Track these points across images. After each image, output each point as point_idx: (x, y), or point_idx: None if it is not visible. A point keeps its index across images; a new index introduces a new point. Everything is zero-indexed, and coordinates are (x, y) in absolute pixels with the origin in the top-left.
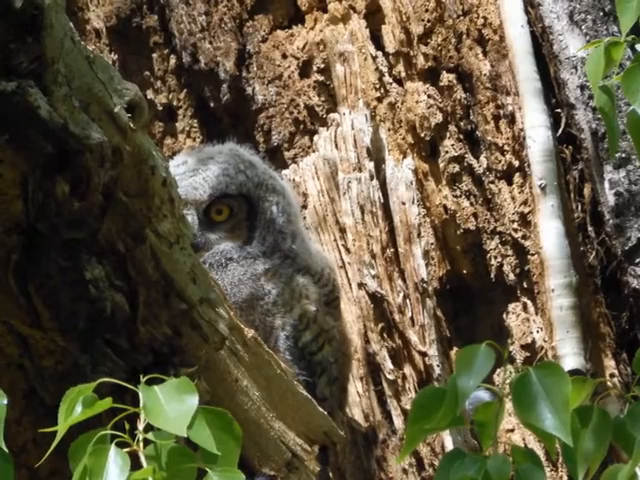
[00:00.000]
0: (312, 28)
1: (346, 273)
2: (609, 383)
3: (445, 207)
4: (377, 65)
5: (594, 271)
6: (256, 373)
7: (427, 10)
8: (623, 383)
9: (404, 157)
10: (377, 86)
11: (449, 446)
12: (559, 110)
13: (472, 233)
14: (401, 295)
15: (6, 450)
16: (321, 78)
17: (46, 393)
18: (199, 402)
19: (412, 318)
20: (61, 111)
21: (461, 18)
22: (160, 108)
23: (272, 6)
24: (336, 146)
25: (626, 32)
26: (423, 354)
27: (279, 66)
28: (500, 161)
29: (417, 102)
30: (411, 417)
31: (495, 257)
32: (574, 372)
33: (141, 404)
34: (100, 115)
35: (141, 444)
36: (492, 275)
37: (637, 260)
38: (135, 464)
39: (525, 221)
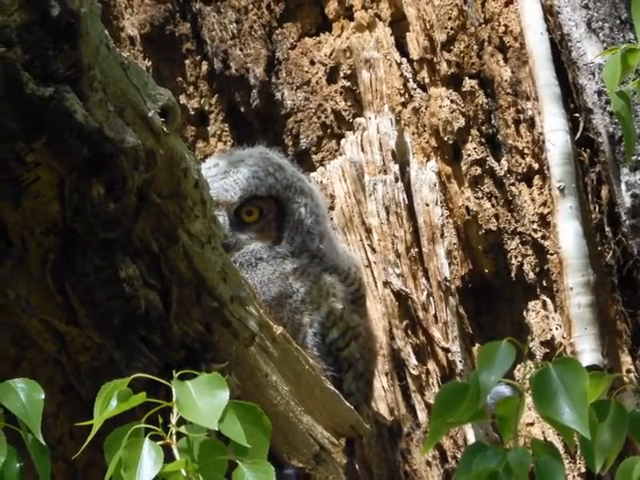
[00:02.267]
0: (339, 36)
1: (372, 272)
2: (625, 378)
3: (467, 208)
4: (402, 71)
5: (611, 270)
6: (285, 368)
7: (450, 18)
8: (639, 378)
9: (428, 160)
10: (402, 91)
11: (471, 439)
12: (577, 115)
13: (493, 233)
14: (425, 293)
15: (44, 443)
16: (348, 84)
17: (82, 388)
18: (230, 397)
19: (435, 315)
20: (97, 115)
21: (483, 26)
22: (192, 113)
23: (300, 14)
24: (362, 149)
25: None
26: (446, 350)
27: (307, 72)
28: (520, 164)
29: (440, 107)
30: (434, 411)
31: (515, 257)
32: (592, 368)
33: (174, 398)
34: (134, 119)
35: (174, 437)
36: (513, 274)
37: None
38: (168, 456)
39: (544, 222)
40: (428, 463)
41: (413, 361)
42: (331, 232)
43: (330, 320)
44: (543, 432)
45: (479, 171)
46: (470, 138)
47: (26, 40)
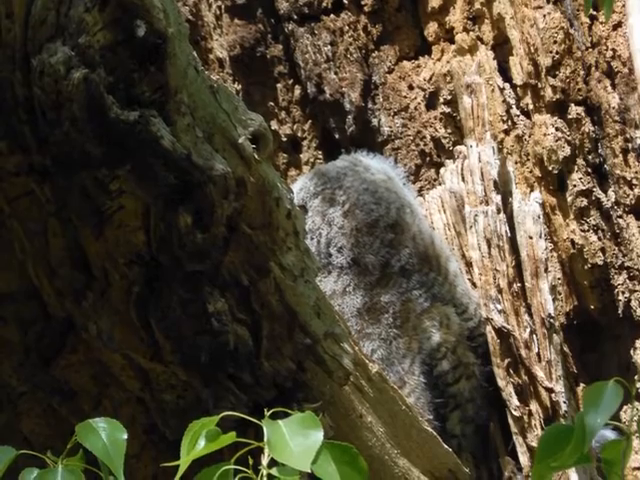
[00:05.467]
0: (439, 59)
1: None
2: None
3: (572, 241)
4: (505, 97)
5: None
6: (381, 409)
7: (555, 42)
8: None
9: (531, 190)
10: (504, 118)
11: None
12: None
13: (600, 268)
14: (528, 330)
15: None
16: (448, 110)
17: (167, 428)
18: (323, 437)
19: (539, 354)
20: (184, 141)
21: (589, 50)
22: (284, 139)
23: (398, 37)
24: (462, 179)
25: None
26: (550, 390)
27: (405, 97)
28: (628, 195)
29: (545, 135)
30: (538, 454)
31: (623, 292)
32: None
33: (265, 438)
34: (224, 146)
35: (265, 479)
36: (620, 310)
37: None
38: None
39: None
40: None
41: (515, 402)
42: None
43: (441, 352)
44: None
45: (585, 202)
46: (576, 168)
47: (110, 61)
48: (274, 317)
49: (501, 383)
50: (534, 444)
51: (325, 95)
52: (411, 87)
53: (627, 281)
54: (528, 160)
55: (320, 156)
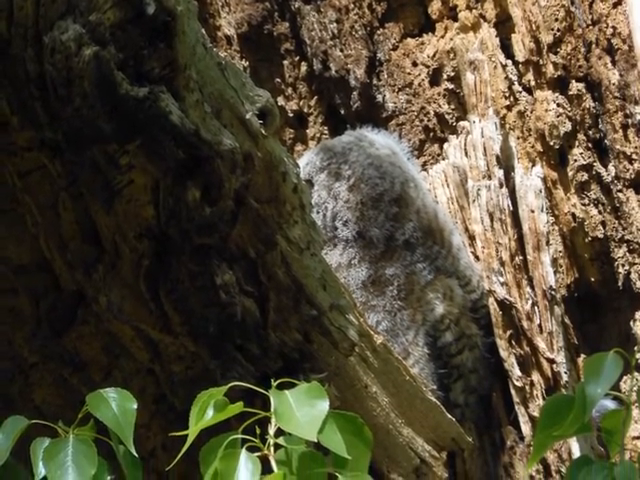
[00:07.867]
0: (442, 36)
1: None
2: None
3: (573, 215)
4: (507, 74)
5: None
6: (385, 379)
7: (557, 19)
8: None
9: (533, 165)
10: (507, 94)
11: (576, 453)
12: None
13: (600, 241)
14: (529, 302)
15: (136, 455)
16: (451, 86)
17: (176, 398)
18: (329, 408)
19: (540, 325)
20: (193, 117)
21: (590, 27)
22: (291, 115)
23: (403, 14)
24: (466, 154)
25: None
26: (551, 361)
27: (409, 74)
28: (628, 170)
29: (546, 111)
30: (540, 424)
31: (623, 265)
32: None
33: (272, 408)
34: (232, 121)
35: (272, 449)
36: (619, 283)
37: None
38: (266, 469)
39: None
40: (532, 477)
41: (517, 372)
42: (458, 239)
43: (444, 323)
44: None
45: (585, 177)
46: (577, 143)
47: (120, 39)
48: (281, 289)
49: (503, 354)
50: (536, 414)
51: (331, 72)
52: (415, 64)
53: (627, 254)
54: (530, 135)
55: (326, 131)
